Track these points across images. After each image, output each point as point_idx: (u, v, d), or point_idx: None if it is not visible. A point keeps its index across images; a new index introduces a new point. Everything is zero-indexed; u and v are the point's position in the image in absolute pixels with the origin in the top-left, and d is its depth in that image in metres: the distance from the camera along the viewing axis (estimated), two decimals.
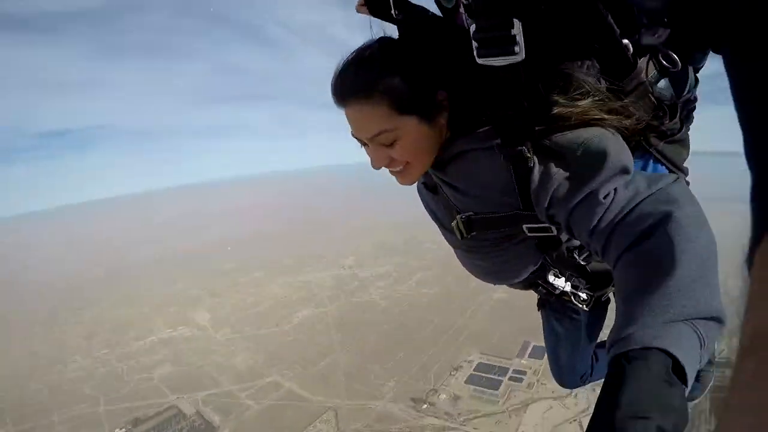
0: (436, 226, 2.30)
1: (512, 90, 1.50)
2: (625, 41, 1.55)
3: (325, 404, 57.05)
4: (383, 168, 1.87)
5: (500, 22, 1.35)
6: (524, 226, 1.76)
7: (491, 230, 1.88)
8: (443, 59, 1.71)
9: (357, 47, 1.74)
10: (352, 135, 1.78)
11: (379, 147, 1.75)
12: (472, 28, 1.42)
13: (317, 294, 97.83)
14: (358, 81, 1.67)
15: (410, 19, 1.86)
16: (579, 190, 1.47)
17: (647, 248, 1.23)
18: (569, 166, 1.53)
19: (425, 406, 51.61)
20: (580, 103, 1.56)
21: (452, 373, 60.56)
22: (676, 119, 1.73)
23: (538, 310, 2.85)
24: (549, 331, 2.87)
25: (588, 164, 1.47)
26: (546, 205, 1.58)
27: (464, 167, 1.78)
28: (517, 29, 1.34)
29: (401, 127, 1.68)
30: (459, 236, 1.96)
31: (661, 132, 1.78)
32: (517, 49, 1.36)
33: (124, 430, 65.86)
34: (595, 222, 1.40)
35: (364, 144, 1.81)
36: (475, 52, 1.44)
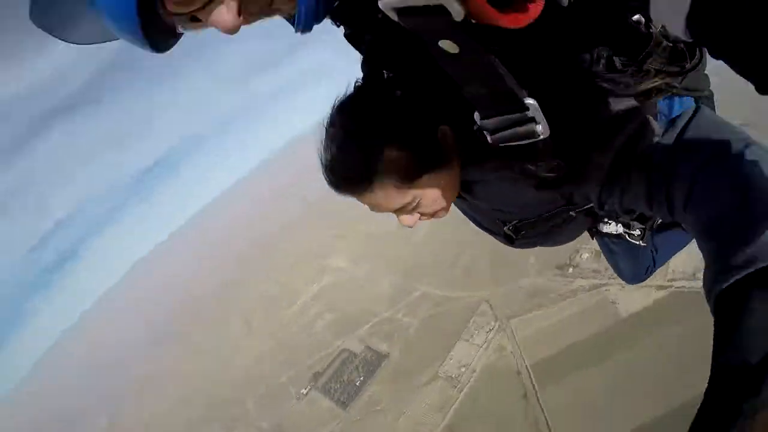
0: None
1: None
2: (636, 17, 1.38)
3: (476, 297, 56.97)
4: None
5: (512, 107, 1.30)
6: (572, 212, 1.76)
7: (539, 228, 1.88)
8: (431, 96, 1.58)
9: (324, 130, 1.67)
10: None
11: (407, 214, 1.75)
12: (477, 116, 1.40)
13: None
14: (352, 176, 1.62)
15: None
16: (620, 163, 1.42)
17: (718, 175, 1.21)
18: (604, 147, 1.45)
19: (571, 269, 49.99)
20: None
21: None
22: (697, 55, 1.49)
23: (592, 238, 2.43)
24: (606, 251, 2.55)
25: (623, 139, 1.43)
26: (599, 193, 1.51)
27: (491, 192, 1.80)
28: (534, 110, 1.27)
29: (419, 192, 1.66)
30: (508, 241, 1.99)
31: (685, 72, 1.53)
32: (540, 128, 1.30)
33: (308, 388, 67.78)
34: (647, 185, 1.36)
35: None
36: (489, 140, 1.42)
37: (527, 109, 1.26)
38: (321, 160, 1.62)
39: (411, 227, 1.79)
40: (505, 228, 1.91)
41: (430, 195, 1.65)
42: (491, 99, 1.29)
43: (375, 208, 1.71)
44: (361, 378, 63.62)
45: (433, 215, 1.80)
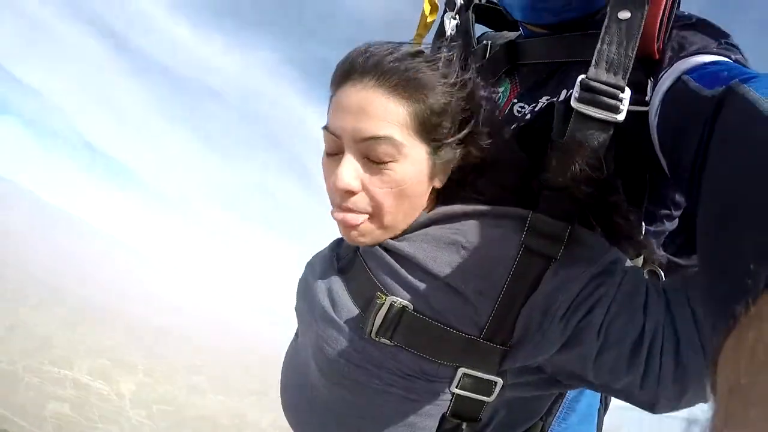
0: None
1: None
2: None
3: None
4: (336, 209, 1.18)
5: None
6: (462, 371, 1.09)
7: (418, 346, 1.10)
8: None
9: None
10: (328, 129, 1.14)
11: (360, 161, 1.11)
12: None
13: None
14: (400, 65, 1.10)
15: None
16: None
17: None
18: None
19: None
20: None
21: None
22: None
23: None
24: None
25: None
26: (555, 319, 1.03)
27: (446, 238, 1.14)
28: (624, 99, 1.06)
29: (408, 150, 1.10)
30: (368, 330, 1.09)
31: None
32: (619, 117, 1.06)
33: None
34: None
35: (331, 152, 1.16)
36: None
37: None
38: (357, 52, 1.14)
39: (344, 186, 1.08)
40: (392, 300, 1.07)
41: (410, 167, 1.09)
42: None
43: (362, 110, 1.07)
44: None
45: (368, 217, 1.13)
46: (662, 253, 1.29)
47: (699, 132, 0.86)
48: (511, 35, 1.57)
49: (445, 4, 1.74)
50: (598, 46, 1.08)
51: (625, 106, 1.04)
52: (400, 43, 1.17)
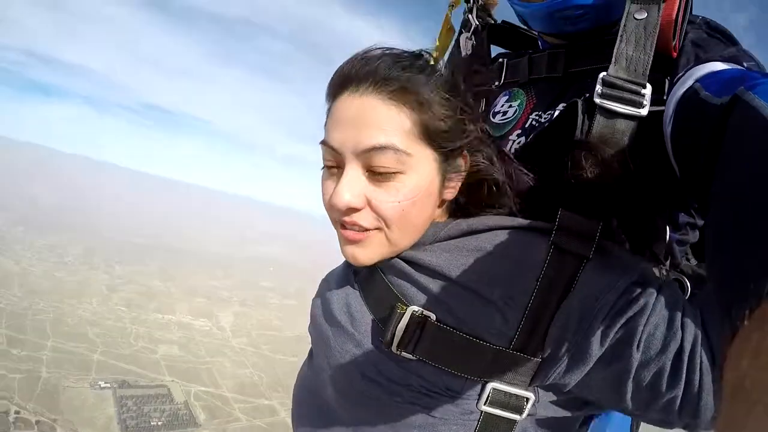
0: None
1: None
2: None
3: None
4: (339, 223, 1.09)
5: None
6: (491, 386, 1.00)
7: (442, 360, 1.02)
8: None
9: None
10: (326, 143, 1.05)
11: (363, 174, 1.02)
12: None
13: None
14: (397, 70, 1.01)
15: None
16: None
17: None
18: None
19: None
20: None
21: None
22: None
23: None
24: None
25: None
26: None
27: (470, 247, 1.07)
28: (646, 94, 1.05)
29: (414, 159, 1.01)
30: (389, 343, 1.02)
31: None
32: (643, 111, 1.05)
33: (108, 385, 65.28)
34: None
35: (331, 165, 1.07)
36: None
37: None
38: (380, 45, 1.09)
39: (337, 210, 1.02)
40: (413, 310, 1.02)
41: (418, 177, 1.02)
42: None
43: (363, 120, 1.00)
44: (159, 422, 61.37)
45: (372, 233, 1.05)
46: (687, 262, 1.28)
47: (707, 141, 0.86)
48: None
49: (461, 25, 1.76)
50: (617, 45, 1.08)
51: (647, 102, 1.03)
52: (398, 49, 1.08)
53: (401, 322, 1.00)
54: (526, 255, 1.00)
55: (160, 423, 61.10)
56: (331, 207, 1.04)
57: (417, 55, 1.09)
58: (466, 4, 1.75)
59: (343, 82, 1.03)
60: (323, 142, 1.06)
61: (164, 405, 64.71)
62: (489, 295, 0.97)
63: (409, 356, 1.00)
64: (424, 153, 1.01)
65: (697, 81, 0.98)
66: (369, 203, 1.01)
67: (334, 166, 1.05)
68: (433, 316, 1.00)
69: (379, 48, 1.07)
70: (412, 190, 1.01)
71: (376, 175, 1.00)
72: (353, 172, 1.00)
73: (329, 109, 1.07)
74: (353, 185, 0.99)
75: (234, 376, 74.91)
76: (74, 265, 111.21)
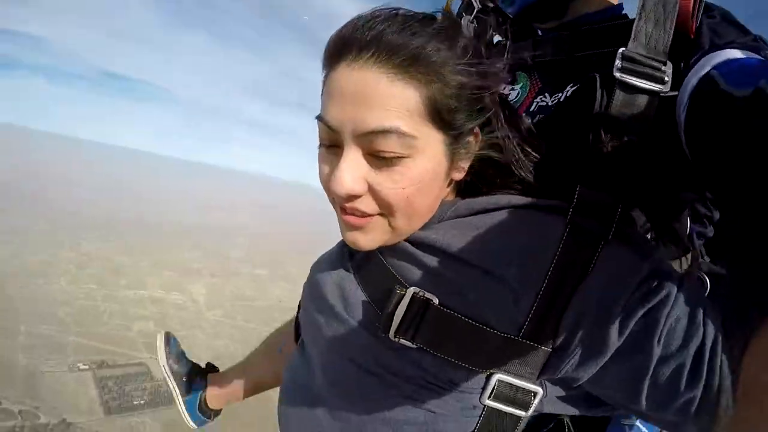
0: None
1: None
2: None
3: None
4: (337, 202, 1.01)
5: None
6: (497, 378, 0.92)
7: (445, 348, 0.93)
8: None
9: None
10: (323, 120, 0.94)
11: (361, 158, 0.92)
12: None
13: None
14: (406, 38, 0.89)
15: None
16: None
17: None
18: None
19: None
20: None
21: None
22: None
23: None
24: None
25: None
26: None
27: (480, 225, 0.98)
28: (667, 71, 1.03)
29: (421, 142, 0.91)
30: (386, 329, 0.94)
31: None
32: (665, 88, 1.01)
33: (87, 366, 65.89)
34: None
35: (329, 144, 0.97)
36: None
37: None
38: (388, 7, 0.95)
39: (337, 197, 0.92)
40: (414, 291, 0.92)
41: (426, 162, 0.91)
42: None
43: (364, 97, 0.87)
44: (141, 401, 62.07)
45: (374, 218, 0.96)
46: (701, 259, 1.24)
47: (726, 135, 0.84)
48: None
49: (462, 7, 1.66)
50: (636, 22, 1.05)
51: (669, 78, 0.99)
52: (407, 12, 0.96)
53: (400, 305, 0.92)
54: (540, 233, 0.92)
55: (142, 402, 61.60)
56: (329, 191, 0.96)
57: (430, 18, 0.97)
58: None
59: (341, 48, 0.92)
60: (319, 118, 0.95)
61: (145, 383, 65.10)
62: (499, 276, 0.89)
63: (408, 344, 0.92)
64: (432, 135, 0.92)
65: (713, 68, 0.94)
66: (371, 189, 0.93)
67: (332, 145, 0.95)
68: (435, 300, 0.92)
69: (385, 9, 0.95)
70: (417, 176, 0.92)
71: (378, 159, 0.91)
72: (353, 155, 0.91)
73: (325, 79, 0.96)
74: (353, 170, 0.91)
75: (211, 348, 75.62)
76: (38, 244, 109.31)
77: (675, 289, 0.85)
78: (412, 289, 0.92)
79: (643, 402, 0.86)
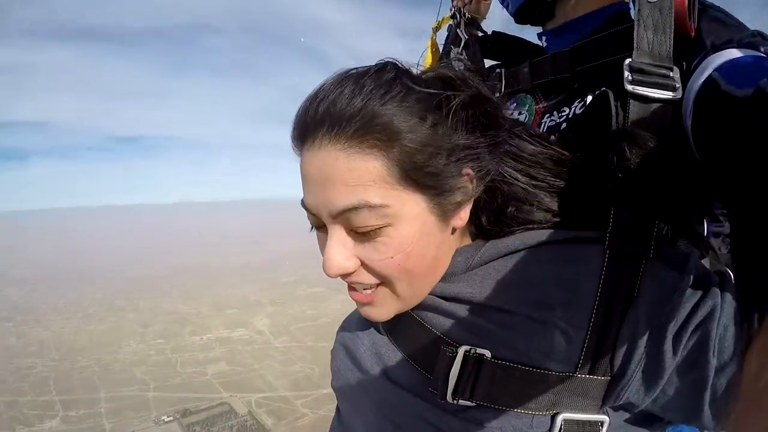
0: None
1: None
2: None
3: None
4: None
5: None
6: (562, 418, 0.89)
7: (505, 400, 0.89)
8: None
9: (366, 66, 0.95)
10: (304, 205, 0.94)
11: (346, 236, 0.90)
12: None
13: None
14: (356, 104, 0.85)
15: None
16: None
17: None
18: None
19: None
20: None
21: None
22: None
23: None
24: None
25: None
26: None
27: (514, 269, 0.96)
28: (675, 77, 1.01)
29: (396, 208, 0.86)
30: (443, 393, 0.90)
31: None
32: (677, 95, 1.00)
33: (171, 418, 66.59)
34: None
35: (317, 226, 0.97)
36: None
37: None
38: (331, 77, 0.93)
39: (336, 273, 0.91)
40: (466, 350, 0.90)
41: (409, 226, 0.88)
42: None
43: (326, 181, 0.86)
44: None
45: (376, 290, 0.94)
46: (722, 252, 1.17)
47: (730, 137, 0.85)
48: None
49: (449, 41, 1.76)
50: (636, 31, 1.05)
51: (678, 83, 0.99)
52: (355, 72, 0.91)
53: (454, 365, 0.89)
54: (579, 268, 0.90)
55: None
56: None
57: (380, 70, 0.90)
58: (452, 20, 1.77)
59: (301, 133, 0.90)
60: (302, 203, 0.94)
61: (230, 421, 65.99)
62: (548, 318, 0.87)
63: (468, 403, 0.89)
64: (406, 197, 0.87)
65: (715, 70, 0.95)
66: (362, 263, 0.91)
67: (321, 226, 0.94)
68: (488, 353, 0.89)
69: (337, 74, 0.91)
70: (401, 243, 0.88)
71: (360, 234, 0.89)
72: (337, 235, 0.90)
73: (299, 163, 0.94)
74: (340, 250, 0.89)
75: (287, 375, 75.92)
76: (100, 314, 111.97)
77: (718, 296, 0.84)
78: (462, 348, 0.89)
79: (707, 413, 0.84)
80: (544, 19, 1.42)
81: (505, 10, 1.52)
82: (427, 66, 1.66)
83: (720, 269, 1.04)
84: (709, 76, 0.94)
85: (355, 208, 0.84)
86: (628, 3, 1.28)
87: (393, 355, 1.01)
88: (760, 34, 1.04)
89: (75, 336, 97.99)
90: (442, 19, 1.87)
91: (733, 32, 1.05)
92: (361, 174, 0.83)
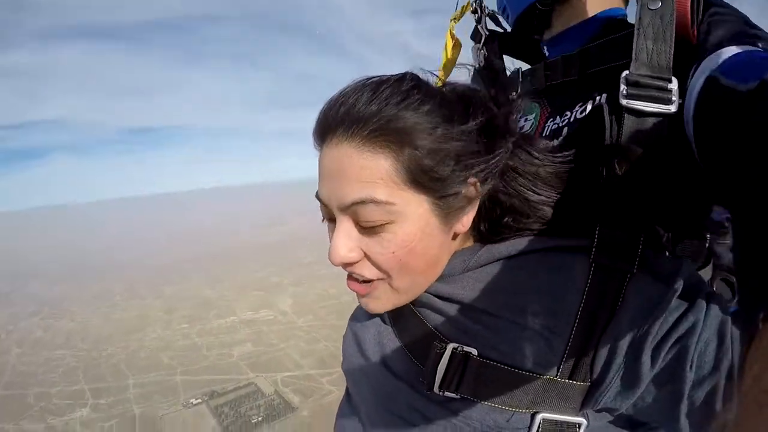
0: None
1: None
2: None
3: None
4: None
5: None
6: (541, 417, 0.95)
7: (488, 396, 0.96)
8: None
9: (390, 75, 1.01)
10: (318, 197, 1.01)
11: (352, 228, 0.96)
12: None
13: None
14: (373, 108, 0.91)
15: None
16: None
17: None
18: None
19: None
20: None
21: None
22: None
23: None
24: None
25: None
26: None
27: (503, 275, 1.02)
28: (673, 89, 1.01)
29: (400, 206, 0.92)
30: (431, 384, 0.97)
31: None
32: (672, 108, 1.00)
33: (200, 400, 66.84)
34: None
35: (329, 218, 1.02)
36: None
37: None
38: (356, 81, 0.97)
39: (340, 262, 0.95)
40: (453, 347, 0.95)
41: (411, 226, 0.92)
42: None
43: (341, 172, 0.91)
44: (259, 418, 62.94)
45: (374, 284, 0.98)
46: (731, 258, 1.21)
47: (737, 132, 0.83)
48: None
49: (471, 36, 1.68)
50: (635, 40, 1.04)
51: (675, 97, 0.98)
52: (377, 79, 0.96)
53: (441, 360, 0.95)
54: (565, 277, 0.95)
55: (260, 419, 62.36)
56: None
57: (399, 80, 0.96)
58: (473, 15, 1.69)
59: (322, 131, 0.96)
60: (316, 196, 1.01)
61: (258, 401, 66.03)
62: (531, 324, 0.92)
63: (453, 395, 0.96)
64: (412, 198, 0.92)
65: (714, 70, 0.94)
66: (365, 255, 0.96)
67: (331, 218, 0.99)
68: (474, 352, 0.95)
69: (358, 81, 0.97)
70: (404, 240, 0.93)
71: (366, 227, 0.94)
72: (344, 226, 0.95)
73: (318, 158, 1.00)
74: (345, 240, 0.94)
75: (312, 353, 75.71)
76: (125, 303, 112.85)
77: (702, 311, 0.86)
78: (451, 345, 0.95)
79: (684, 424, 0.87)
80: (542, 29, 1.42)
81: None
82: (446, 59, 1.79)
83: (725, 277, 1.13)
84: (708, 77, 0.94)
85: (362, 202, 0.90)
86: (621, 9, 1.34)
87: (393, 345, 1.07)
88: (754, 27, 1.03)
89: (101, 326, 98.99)
90: (462, 8, 1.72)
91: (728, 29, 1.03)
92: (371, 172, 0.89)
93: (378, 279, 0.98)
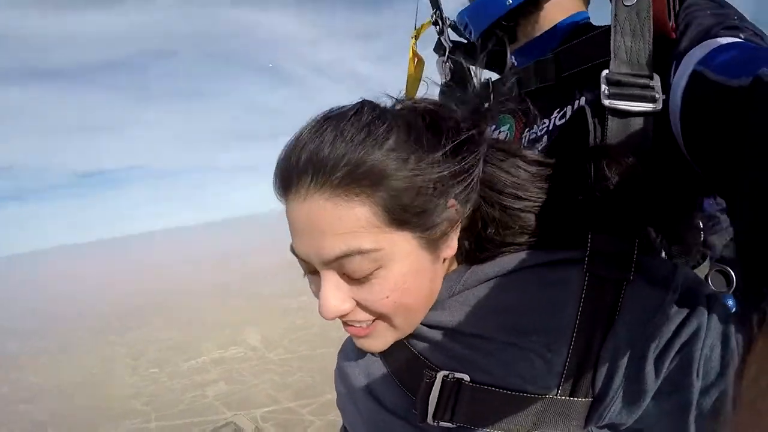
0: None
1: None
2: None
3: None
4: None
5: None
6: None
7: (486, 421, 0.90)
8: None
9: (341, 107, 0.94)
10: (293, 251, 0.93)
11: (339, 279, 0.89)
12: None
13: None
14: (338, 152, 0.83)
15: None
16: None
17: None
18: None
19: None
20: None
21: None
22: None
23: None
24: None
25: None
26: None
27: (491, 296, 0.96)
28: (655, 86, 0.98)
29: (387, 250, 0.86)
30: (423, 415, 0.92)
31: None
32: (658, 105, 0.97)
33: None
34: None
35: (310, 272, 0.95)
36: None
37: None
38: (308, 123, 0.90)
39: (333, 316, 0.89)
40: (444, 375, 0.91)
41: (402, 266, 0.87)
42: None
43: (316, 229, 0.83)
44: None
45: (372, 324, 0.93)
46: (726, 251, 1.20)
47: (731, 130, 0.79)
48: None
49: (434, 49, 1.64)
50: (612, 38, 1.00)
51: (659, 94, 0.94)
52: (333, 115, 0.90)
53: (433, 389, 0.90)
54: (558, 292, 0.89)
55: None
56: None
57: (357, 112, 0.89)
58: (434, 27, 1.63)
59: (284, 183, 0.88)
60: (291, 250, 0.93)
61: None
62: (526, 344, 0.87)
63: (449, 425, 0.90)
64: (397, 237, 0.86)
65: (697, 64, 0.89)
66: (359, 304, 0.90)
67: (313, 271, 0.92)
68: (466, 377, 0.89)
69: (314, 121, 0.90)
70: (396, 282, 0.88)
71: (352, 278, 0.87)
72: (331, 280, 0.88)
73: (285, 211, 0.92)
74: (335, 293, 0.88)
75: (288, 386, 73.48)
76: (89, 353, 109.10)
77: (704, 315, 0.82)
78: (441, 373, 0.90)
79: None
80: (509, 43, 1.40)
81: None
82: (409, 76, 1.73)
83: (722, 269, 1.07)
84: (693, 72, 0.89)
85: (347, 255, 0.83)
86: (583, 12, 1.32)
87: (383, 377, 1.02)
88: (735, 15, 1.00)
89: (67, 377, 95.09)
90: (422, 26, 1.70)
91: (710, 20, 0.99)
92: (350, 222, 0.82)
93: (376, 319, 0.92)
